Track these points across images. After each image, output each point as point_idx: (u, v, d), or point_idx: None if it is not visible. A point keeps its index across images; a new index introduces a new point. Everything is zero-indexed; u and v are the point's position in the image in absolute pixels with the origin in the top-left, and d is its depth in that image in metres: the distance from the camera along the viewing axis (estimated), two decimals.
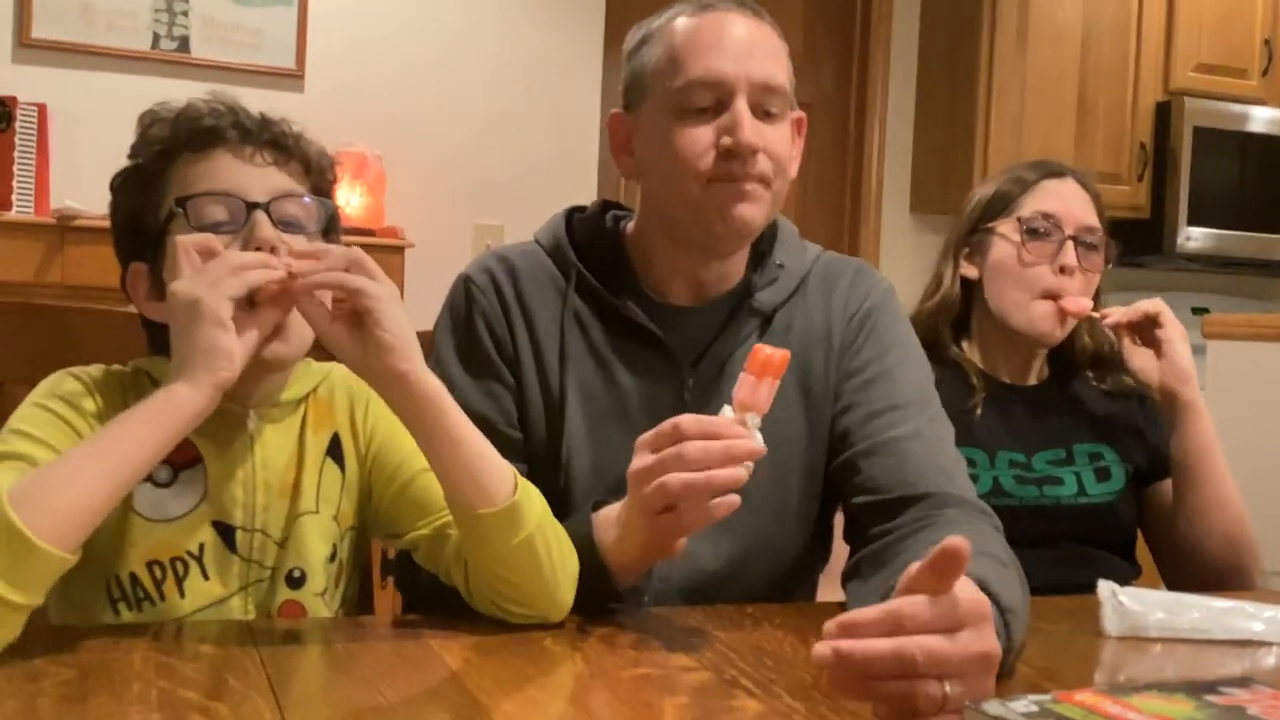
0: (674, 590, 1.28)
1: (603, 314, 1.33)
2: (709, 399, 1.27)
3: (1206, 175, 4.01)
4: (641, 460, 1.07)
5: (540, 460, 1.30)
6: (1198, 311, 4.15)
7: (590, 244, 1.36)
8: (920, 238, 4.14)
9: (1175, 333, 1.60)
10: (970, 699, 0.78)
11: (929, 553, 0.81)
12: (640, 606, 1.22)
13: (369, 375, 1.06)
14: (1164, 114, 4.01)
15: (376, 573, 1.43)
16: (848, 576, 1.24)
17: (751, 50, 1.27)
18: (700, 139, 1.25)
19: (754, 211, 1.27)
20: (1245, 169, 4.11)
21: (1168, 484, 1.66)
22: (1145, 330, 1.62)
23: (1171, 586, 1.59)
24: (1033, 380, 1.70)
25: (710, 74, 1.25)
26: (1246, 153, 4.10)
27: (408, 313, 1.05)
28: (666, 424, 1.06)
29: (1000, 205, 1.69)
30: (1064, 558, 1.57)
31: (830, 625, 0.80)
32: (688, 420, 1.04)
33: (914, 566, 0.82)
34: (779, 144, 1.28)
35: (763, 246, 1.38)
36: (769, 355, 1.06)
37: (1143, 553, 1.71)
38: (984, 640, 0.81)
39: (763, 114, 1.27)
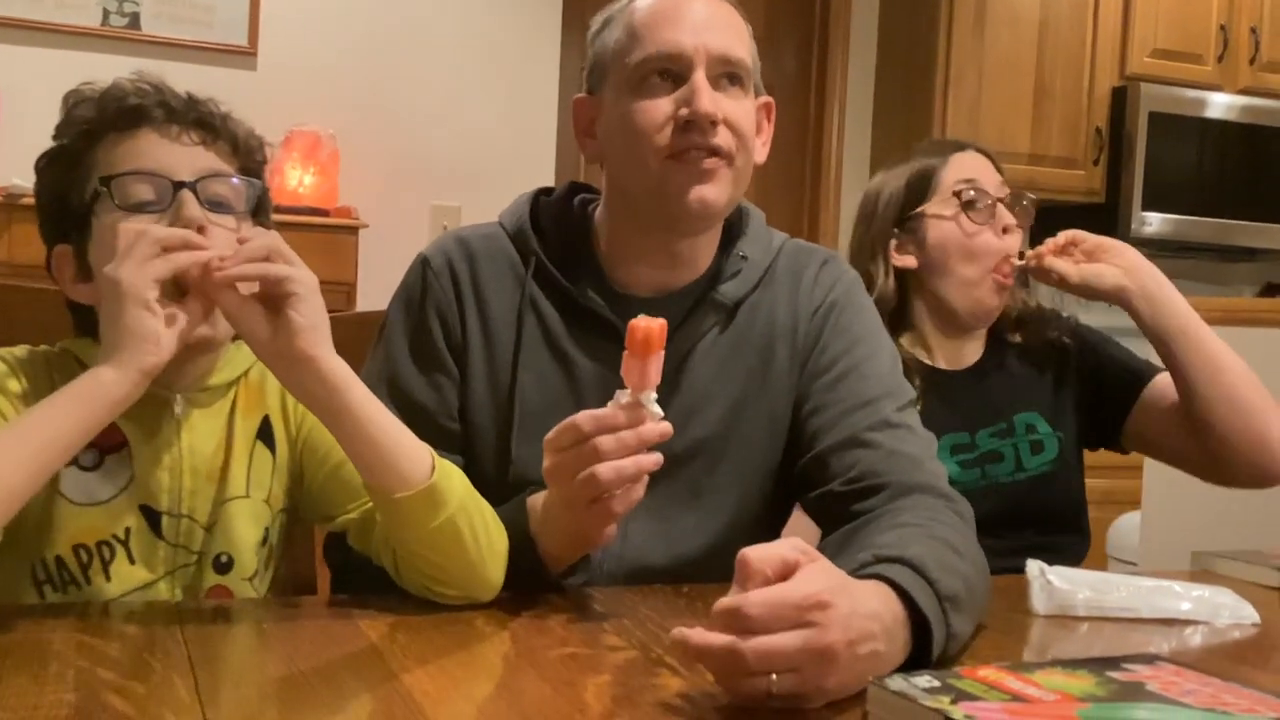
0: None
1: (561, 302, 1.30)
2: (666, 392, 1.22)
3: (1162, 160, 4.04)
4: (556, 458, 1.06)
5: (488, 450, 1.28)
6: None
7: (554, 229, 1.34)
8: None
9: (1104, 239, 1.62)
10: (802, 690, 0.83)
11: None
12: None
13: (276, 359, 1.04)
14: (1120, 99, 4.04)
15: (319, 552, 1.43)
16: None
17: (709, 24, 1.25)
18: (658, 111, 1.23)
19: (714, 192, 1.24)
20: (1201, 154, 4.14)
21: (1157, 388, 1.65)
22: (1072, 253, 1.64)
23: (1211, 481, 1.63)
24: (969, 361, 1.72)
25: (667, 46, 1.23)
26: (1202, 138, 4.13)
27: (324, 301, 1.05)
28: (566, 424, 1.05)
29: (920, 189, 1.71)
30: (1013, 548, 1.58)
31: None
32: (584, 419, 1.03)
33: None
34: (741, 118, 1.25)
35: (732, 233, 1.35)
36: (648, 330, 1.03)
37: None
38: (824, 635, 0.82)
39: (723, 86, 1.25)
